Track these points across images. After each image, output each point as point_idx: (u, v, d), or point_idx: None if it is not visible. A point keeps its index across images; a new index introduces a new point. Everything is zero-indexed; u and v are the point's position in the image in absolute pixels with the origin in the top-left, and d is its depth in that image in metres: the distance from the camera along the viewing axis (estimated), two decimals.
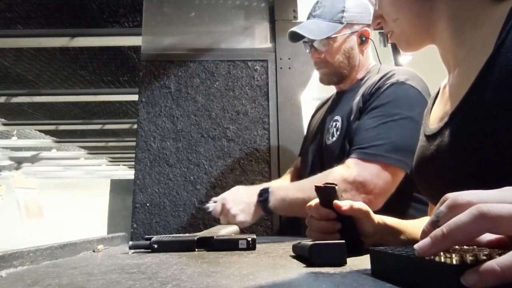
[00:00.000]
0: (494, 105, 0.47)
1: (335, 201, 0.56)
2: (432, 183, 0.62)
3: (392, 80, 0.95)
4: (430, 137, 0.60)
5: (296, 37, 1.10)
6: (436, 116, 0.64)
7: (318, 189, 0.58)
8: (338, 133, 1.00)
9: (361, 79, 1.09)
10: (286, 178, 1.24)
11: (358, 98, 1.00)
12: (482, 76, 0.50)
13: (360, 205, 0.58)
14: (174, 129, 1.40)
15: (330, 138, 1.03)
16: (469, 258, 0.24)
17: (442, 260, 0.25)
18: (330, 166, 0.93)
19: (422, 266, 0.27)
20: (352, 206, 0.57)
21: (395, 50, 1.71)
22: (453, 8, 0.57)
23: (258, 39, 1.53)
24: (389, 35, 0.66)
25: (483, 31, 0.53)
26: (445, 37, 0.59)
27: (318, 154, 1.09)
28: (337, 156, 0.97)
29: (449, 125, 0.55)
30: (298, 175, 1.21)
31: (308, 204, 0.61)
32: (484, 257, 0.24)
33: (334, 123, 1.03)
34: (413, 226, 0.65)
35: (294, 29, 1.08)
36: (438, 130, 0.58)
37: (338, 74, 1.10)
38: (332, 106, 1.15)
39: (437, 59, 0.68)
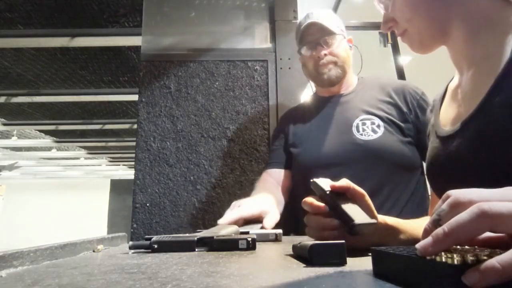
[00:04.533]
0: None
1: (332, 184, 0.56)
2: (448, 185, 0.61)
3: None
4: (445, 139, 0.61)
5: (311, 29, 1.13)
6: (448, 117, 0.64)
7: (313, 183, 0.59)
8: (381, 129, 1.03)
9: (357, 83, 1.19)
10: (265, 197, 1.03)
11: (392, 98, 1.08)
12: (503, 78, 0.51)
13: (356, 186, 0.56)
14: (174, 129, 1.40)
15: (370, 134, 1.04)
16: (470, 258, 0.24)
17: (443, 260, 0.25)
18: (379, 160, 0.98)
19: (423, 266, 0.27)
20: (347, 183, 0.56)
21: (395, 50, 1.71)
22: (468, 9, 0.57)
23: (258, 39, 1.53)
24: (401, 36, 0.65)
25: (499, 33, 0.53)
26: (459, 39, 0.59)
27: (352, 150, 1.05)
28: (389, 148, 1.00)
29: (469, 127, 0.55)
30: (289, 192, 1.16)
31: (304, 200, 0.60)
32: (485, 257, 0.24)
33: (367, 122, 1.06)
34: (414, 226, 0.64)
35: (314, 20, 1.13)
36: (455, 131, 0.58)
37: (343, 71, 1.15)
38: (338, 109, 1.15)
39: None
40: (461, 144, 0.56)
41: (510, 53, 0.51)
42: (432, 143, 0.66)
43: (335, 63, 1.13)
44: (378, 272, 0.35)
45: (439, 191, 0.66)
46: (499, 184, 0.35)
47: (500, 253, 0.25)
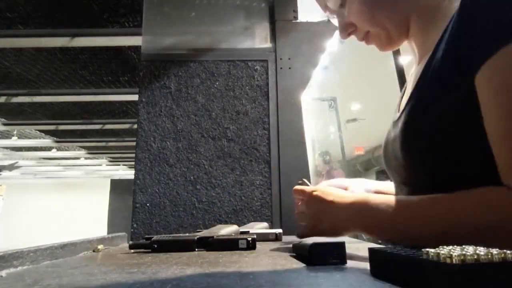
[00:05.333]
0: (425, 103, 0.52)
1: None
2: (388, 164, 0.67)
3: None
4: (394, 123, 0.64)
5: None
6: (400, 103, 0.68)
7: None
8: None
9: None
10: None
11: None
12: (422, 73, 0.54)
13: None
14: (174, 129, 1.40)
15: None
16: (469, 258, 0.24)
17: (442, 260, 0.25)
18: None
19: (422, 266, 0.27)
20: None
21: (395, 50, 1.71)
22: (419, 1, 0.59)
23: (258, 39, 1.53)
24: (364, 40, 0.65)
25: (441, 24, 0.54)
26: (416, 30, 0.61)
27: None
28: None
29: (401, 115, 0.59)
30: None
31: (294, 188, 0.69)
32: (485, 258, 0.24)
33: None
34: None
35: None
36: (397, 118, 0.61)
37: None
38: None
39: None
40: (396, 131, 0.60)
41: (437, 41, 0.53)
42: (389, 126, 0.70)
43: None
44: (376, 272, 0.35)
45: (387, 170, 0.69)
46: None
47: (502, 255, 0.24)
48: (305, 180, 0.71)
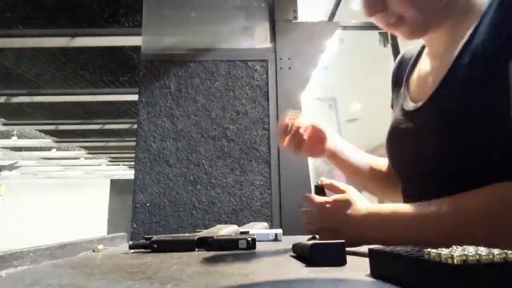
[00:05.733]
0: (457, 104, 0.50)
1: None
2: (400, 156, 0.65)
3: None
4: (409, 113, 0.61)
5: None
6: (416, 89, 0.64)
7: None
8: None
9: None
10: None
11: None
12: (455, 64, 0.52)
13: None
14: (174, 129, 1.40)
15: None
16: (470, 258, 0.24)
17: (443, 260, 0.25)
18: None
19: (424, 266, 0.27)
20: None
21: (395, 50, 1.71)
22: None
23: (258, 39, 1.53)
24: (395, 24, 0.58)
25: (471, 18, 0.53)
26: (443, 27, 0.58)
27: None
28: None
29: (428, 107, 0.56)
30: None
31: (306, 195, 0.65)
32: (487, 258, 0.24)
33: None
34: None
35: None
36: (417, 108, 0.58)
37: None
38: None
39: None
40: (420, 122, 0.57)
41: (468, 36, 0.52)
42: (396, 112, 0.67)
43: None
44: (376, 272, 0.35)
45: (392, 162, 0.68)
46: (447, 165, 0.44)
47: (503, 255, 0.24)
48: (323, 181, 0.67)
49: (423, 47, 0.69)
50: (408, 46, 0.75)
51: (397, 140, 0.65)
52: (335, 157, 0.79)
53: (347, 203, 0.60)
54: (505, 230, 0.43)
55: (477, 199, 0.46)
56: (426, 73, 0.63)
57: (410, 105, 0.62)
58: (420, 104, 0.58)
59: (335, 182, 0.66)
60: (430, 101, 0.56)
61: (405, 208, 0.53)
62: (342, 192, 0.62)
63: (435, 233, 0.48)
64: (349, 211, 0.58)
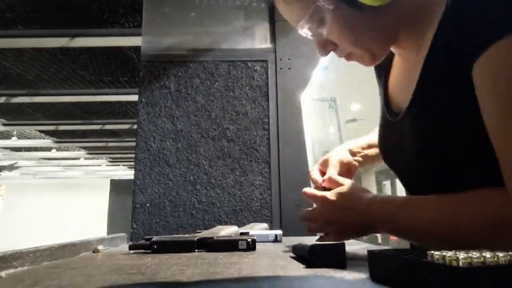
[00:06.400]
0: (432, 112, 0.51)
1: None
2: (397, 167, 0.65)
3: None
4: (392, 123, 0.62)
5: None
6: (395, 95, 0.64)
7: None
8: None
9: None
10: None
11: None
12: (423, 74, 0.53)
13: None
14: (174, 129, 1.40)
15: None
16: (475, 260, 0.24)
17: (448, 262, 0.25)
18: None
19: (427, 269, 0.27)
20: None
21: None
22: (405, 9, 0.56)
23: (258, 39, 1.53)
24: (347, 58, 0.61)
25: (431, 18, 0.53)
26: (405, 36, 0.58)
27: None
28: None
29: (407, 116, 0.56)
30: None
31: (303, 190, 0.66)
32: (492, 260, 0.24)
33: None
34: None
35: None
36: (400, 118, 0.59)
37: None
38: None
39: None
40: (404, 130, 0.57)
41: (431, 41, 0.52)
42: (383, 118, 0.67)
43: None
44: (375, 275, 0.35)
45: (392, 170, 0.68)
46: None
47: (508, 257, 0.24)
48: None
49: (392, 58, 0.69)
50: None
51: (389, 152, 0.66)
52: (362, 165, 0.80)
53: (350, 194, 0.60)
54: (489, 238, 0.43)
55: (470, 205, 0.46)
56: (399, 78, 0.64)
57: (392, 113, 0.63)
58: (400, 115, 0.59)
59: (333, 176, 0.67)
60: (406, 113, 0.57)
61: (417, 197, 0.54)
62: (341, 185, 0.63)
63: (425, 223, 0.49)
64: (354, 202, 0.59)
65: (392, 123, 0.62)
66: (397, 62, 0.66)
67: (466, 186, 0.48)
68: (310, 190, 0.66)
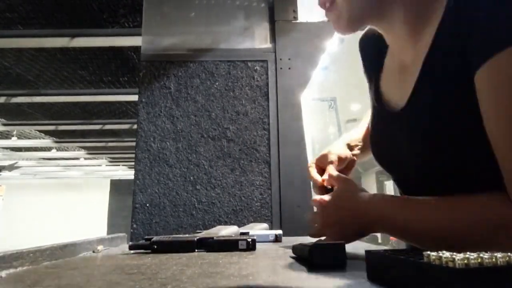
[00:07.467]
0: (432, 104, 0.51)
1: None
2: (386, 161, 0.64)
3: None
4: (386, 118, 0.61)
5: None
6: (388, 91, 0.63)
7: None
8: None
9: None
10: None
11: None
12: (424, 69, 0.52)
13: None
14: (174, 130, 1.40)
15: None
16: (472, 261, 0.24)
17: (444, 263, 0.25)
18: None
19: (424, 270, 0.26)
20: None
21: None
22: None
23: (258, 39, 1.53)
24: (328, 9, 0.58)
25: (433, 21, 0.52)
26: (397, 21, 0.57)
27: None
28: None
29: (408, 109, 0.55)
30: None
31: (313, 198, 0.64)
32: (489, 261, 0.24)
33: None
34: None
35: None
36: (396, 112, 0.58)
37: None
38: None
39: None
40: (402, 125, 0.57)
41: (430, 42, 0.51)
42: (373, 110, 0.66)
43: None
44: (373, 275, 0.35)
45: (381, 164, 0.67)
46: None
47: (506, 258, 0.24)
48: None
49: (384, 42, 0.66)
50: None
51: (379, 143, 0.66)
52: (361, 157, 0.80)
53: (347, 194, 0.59)
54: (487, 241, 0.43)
55: (469, 208, 0.46)
56: (393, 75, 0.63)
57: (385, 110, 0.62)
58: (396, 110, 0.58)
59: (333, 173, 0.66)
60: (403, 109, 0.56)
61: (415, 198, 0.53)
62: (342, 182, 0.63)
63: (423, 225, 0.49)
64: (351, 202, 0.58)
65: (386, 119, 0.61)
66: (389, 60, 0.66)
67: (458, 184, 0.48)
68: (315, 197, 0.65)
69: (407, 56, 0.58)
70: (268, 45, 1.51)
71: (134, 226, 1.31)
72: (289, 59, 1.48)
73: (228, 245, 0.64)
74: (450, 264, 0.24)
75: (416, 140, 0.54)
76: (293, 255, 0.55)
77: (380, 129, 0.65)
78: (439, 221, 0.47)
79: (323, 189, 0.67)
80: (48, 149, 7.02)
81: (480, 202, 0.45)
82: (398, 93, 0.59)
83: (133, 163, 1.38)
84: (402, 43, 0.59)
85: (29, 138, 6.01)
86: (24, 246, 0.53)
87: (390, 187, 8.57)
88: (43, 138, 5.94)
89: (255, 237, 0.65)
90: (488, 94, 0.44)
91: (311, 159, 1.54)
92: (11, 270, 0.45)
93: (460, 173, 0.50)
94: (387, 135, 0.62)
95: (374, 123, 0.66)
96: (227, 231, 0.77)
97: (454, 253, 0.26)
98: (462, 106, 0.48)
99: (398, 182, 0.65)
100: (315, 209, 0.65)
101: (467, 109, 0.47)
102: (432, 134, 0.51)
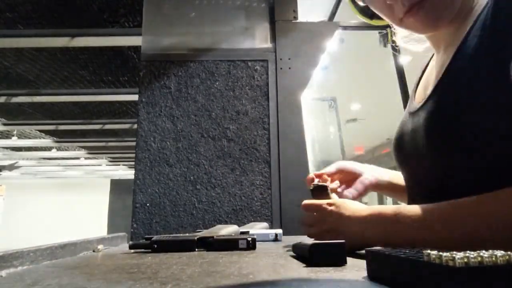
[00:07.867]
0: (460, 93, 0.50)
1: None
2: (404, 159, 0.65)
3: None
4: (412, 114, 0.62)
5: None
6: (420, 92, 0.66)
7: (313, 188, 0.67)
8: None
9: None
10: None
11: None
12: (452, 63, 0.52)
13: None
14: (174, 129, 1.40)
15: None
16: (472, 260, 0.24)
17: (444, 262, 0.25)
18: None
19: (423, 268, 0.26)
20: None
21: (395, 50, 1.71)
22: None
23: (258, 39, 1.53)
24: (418, 6, 0.54)
25: (474, 13, 0.53)
26: (456, 16, 0.56)
27: None
28: None
29: (426, 104, 0.56)
30: None
31: (303, 203, 0.65)
32: (489, 260, 0.24)
33: None
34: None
35: None
36: (418, 108, 0.59)
37: None
38: None
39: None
40: (418, 121, 0.57)
41: (463, 36, 0.51)
42: (403, 117, 0.68)
43: None
44: (373, 274, 0.35)
45: (400, 167, 0.68)
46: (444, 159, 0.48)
47: (506, 257, 0.24)
48: (319, 183, 0.68)
49: (431, 58, 0.69)
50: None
51: (399, 140, 0.66)
52: (379, 187, 0.80)
53: (346, 204, 0.60)
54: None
55: (490, 207, 0.44)
56: (429, 76, 0.64)
57: (412, 107, 0.63)
58: (419, 104, 0.59)
59: (317, 172, 0.69)
60: (427, 101, 0.56)
61: (409, 209, 0.52)
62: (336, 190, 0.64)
63: (438, 236, 0.47)
64: (349, 212, 0.58)
65: (410, 114, 0.63)
66: (432, 62, 0.67)
67: (471, 183, 0.47)
68: (306, 201, 0.65)
69: (438, 59, 0.59)
70: (268, 45, 1.52)
71: (135, 225, 1.31)
72: (289, 59, 1.48)
73: (228, 244, 0.64)
74: (450, 263, 0.24)
75: (431, 136, 0.54)
76: (293, 254, 0.55)
77: (403, 125, 0.66)
78: (456, 225, 0.46)
79: (320, 189, 0.67)
80: (48, 148, 7.02)
81: (498, 199, 0.44)
82: (425, 92, 0.60)
83: (133, 163, 1.38)
84: (443, 43, 0.60)
85: (29, 138, 6.01)
86: (25, 245, 0.53)
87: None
88: (43, 138, 5.94)
89: (255, 236, 0.65)
90: None
91: (311, 158, 1.53)
92: (12, 269, 0.45)
93: (475, 171, 0.49)
94: (406, 129, 0.63)
95: (401, 122, 0.68)
96: (227, 230, 0.77)
97: (454, 252, 0.26)
98: (481, 105, 0.47)
99: (409, 180, 0.65)
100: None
101: (486, 108, 0.46)
102: (445, 132, 0.51)
